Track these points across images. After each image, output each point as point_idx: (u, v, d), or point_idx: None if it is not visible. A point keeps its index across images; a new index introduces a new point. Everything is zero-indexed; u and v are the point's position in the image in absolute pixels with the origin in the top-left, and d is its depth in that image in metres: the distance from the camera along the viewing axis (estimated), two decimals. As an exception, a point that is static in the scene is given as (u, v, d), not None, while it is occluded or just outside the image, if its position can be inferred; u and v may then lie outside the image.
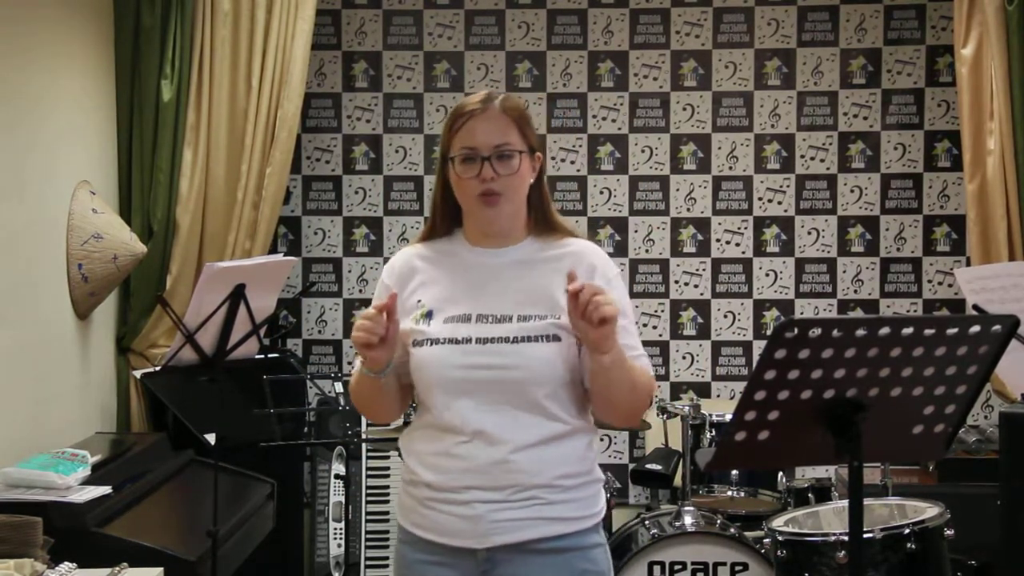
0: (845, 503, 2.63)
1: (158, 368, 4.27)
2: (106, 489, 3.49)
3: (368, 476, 5.23)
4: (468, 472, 2.31)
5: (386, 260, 5.50)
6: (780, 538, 3.57)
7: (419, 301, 2.41)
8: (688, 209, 5.48)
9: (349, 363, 5.48)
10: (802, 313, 5.44)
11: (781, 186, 5.47)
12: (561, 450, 2.33)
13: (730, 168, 5.47)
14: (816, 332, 2.04)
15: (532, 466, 2.30)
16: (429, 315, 2.38)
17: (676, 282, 5.49)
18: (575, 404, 2.37)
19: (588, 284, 2.21)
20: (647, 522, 4.29)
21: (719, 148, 5.48)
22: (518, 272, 2.40)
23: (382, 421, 2.60)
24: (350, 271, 5.51)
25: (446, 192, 2.47)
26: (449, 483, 2.33)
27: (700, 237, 5.48)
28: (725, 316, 5.48)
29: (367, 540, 5.17)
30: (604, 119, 5.48)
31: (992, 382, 4.50)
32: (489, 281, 2.40)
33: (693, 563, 4.04)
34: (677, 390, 5.48)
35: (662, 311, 5.48)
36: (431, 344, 2.34)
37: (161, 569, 3.08)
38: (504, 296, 2.37)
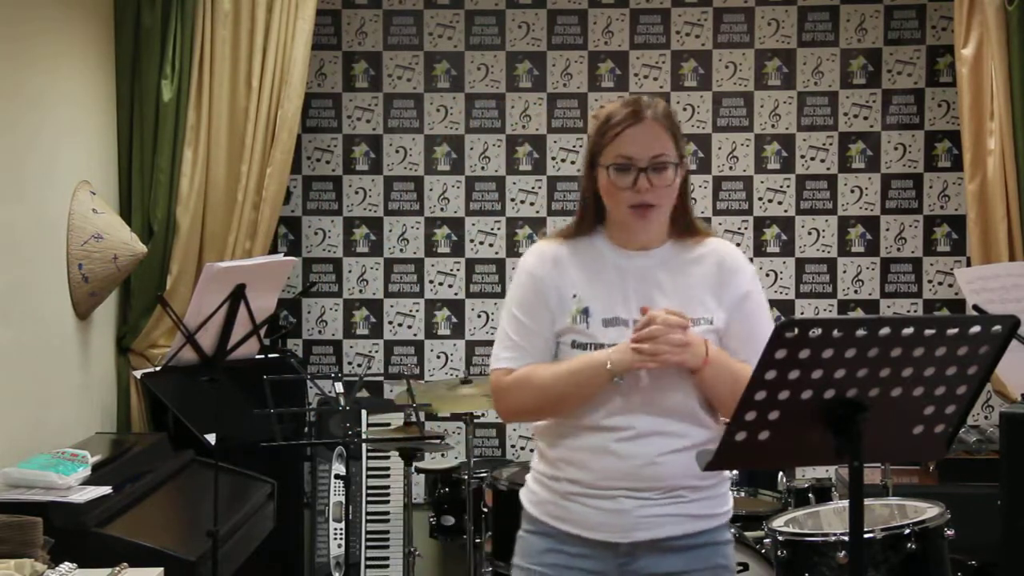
0: (845, 503, 2.63)
1: (158, 368, 4.27)
2: (106, 489, 3.49)
3: (368, 476, 5.23)
4: (618, 470, 2.40)
5: (386, 260, 5.55)
6: (780, 538, 3.57)
7: (575, 296, 2.46)
8: (688, 209, 5.47)
9: (349, 363, 5.48)
10: (802, 313, 5.44)
11: (781, 186, 5.47)
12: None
13: (730, 168, 5.47)
14: (816, 332, 2.04)
15: (678, 469, 2.40)
16: (585, 312, 2.44)
17: (676, 282, 5.48)
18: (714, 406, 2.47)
19: (664, 319, 2.31)
20: (647, 522, 4.28)
21: (719, 148, 5.48)
22: (667, 276, 2.47)
23: (559, 416, 2.55)
24: (350, 271, 5.51)
25: (597, 194, 2.52)
26: (598, 480, 2.42)
27: (700, 237, 5.47)
28: (725, 316, 5.47)
29: (367, 540, 5.17)
30: (604, 119, 5.47)
31: (992, 382, 4.50)
32: (641, 285, 2.46)
33: (693, 563, 4.03)
34: (677, 390, 5.47)
35: (662, 311, 5.48)
36: (594, 348, 2.42)
37: (161, 569, 3.08)
38: (658, 300, 2.43)
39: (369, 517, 5.20)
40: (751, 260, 5.41)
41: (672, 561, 2.42)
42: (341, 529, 5.01)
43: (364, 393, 5.23)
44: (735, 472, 2.53)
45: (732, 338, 2.45)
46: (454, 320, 5.51)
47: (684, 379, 2.41)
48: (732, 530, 2.57)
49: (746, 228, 5.47)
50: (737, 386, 2.32)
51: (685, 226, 2.52)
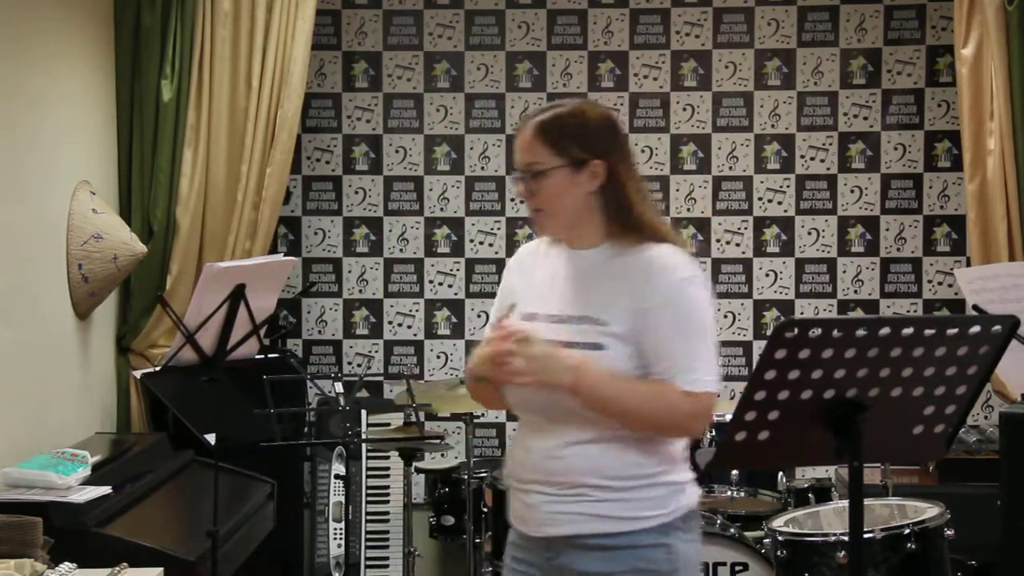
0: (845, 503, 2.64)
1: (158, 368, 4.27)
2: (106, 489, 3.49)
3: (368, 476, 5.23)
4: (528, 462, 2.44)
5: (386, 260, 5.55)
6: (780, 538, 3.57)
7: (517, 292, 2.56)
8: (688, 209, 5.48)
9: (349, 363, 5.49)
10: (802, 313, 5.44)
11: (781, 186, 5.47)
12: (612, 451, 2.38)
13: (730, 168, 5.47)
14: (816, 332, 2.05)
15: (582, 464, 2.38)
16: (513, 307, 2.49)
17: (676, 282, 5.48)
18: None
19: (513, 336, 2.32)
20: (647, 522, 4.28)
21: (719, 148, 5.47)
22: (586, 277, 2.45)
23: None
24: (350, 271, 5.51)
25: None
26: (515, 472, 2.50)
27: (700, 237, 5.47)
28: (725, 316, 5.48)
29: (367, 540, 5.16)
30: (604, 119, 5.47)
31: (992, 382, 4.50)
32: (559, 283, 2.48)
33: (693, 563, 4.03)
34: (677, 390, 5.47)
35: (662, 311, 5.47)
36: None
37: (161, 569, 3.08)
38: (565, 299, 2.45)
39: (369, 517, 5.19)
40: (750, 260, 5.48)
41: (589, 560, 2.38)
42: (341, 529, 5.01)
43: (364, 393, 5.23)
44: (682, 476, 2.43)
45: (645, 350, 2.37)
46: (454, 320, 5.51)
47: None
48: (690, 535, 2.45)
49: (746, 228, 5.47)
50: (646, 406, 2.33)
51: (626, 228, 2.45)
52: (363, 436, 4.73)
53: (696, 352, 2.35)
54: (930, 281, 5.43)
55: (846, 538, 3.15)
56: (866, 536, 3.26)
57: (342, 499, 4.96)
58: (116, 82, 4.64)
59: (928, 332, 2.08)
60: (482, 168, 5.50)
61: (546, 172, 2.43)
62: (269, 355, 4.28)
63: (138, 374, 4.56)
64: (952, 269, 5.22)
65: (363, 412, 4.97)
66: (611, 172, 2.44)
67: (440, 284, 5.50)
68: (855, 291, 5.45)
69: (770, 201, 5.47)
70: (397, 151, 5.51)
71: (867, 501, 2.92)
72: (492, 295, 5.62)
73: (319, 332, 5.53)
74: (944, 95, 5.38)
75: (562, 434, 2.39)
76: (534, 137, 2.44)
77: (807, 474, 4.72)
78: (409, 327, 5.51)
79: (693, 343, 2.35)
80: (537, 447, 2.43)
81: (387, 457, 5.21)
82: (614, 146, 2.48)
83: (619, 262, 2.43)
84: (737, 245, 5.48)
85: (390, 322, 5.52)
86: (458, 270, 5.50)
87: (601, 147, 2.45)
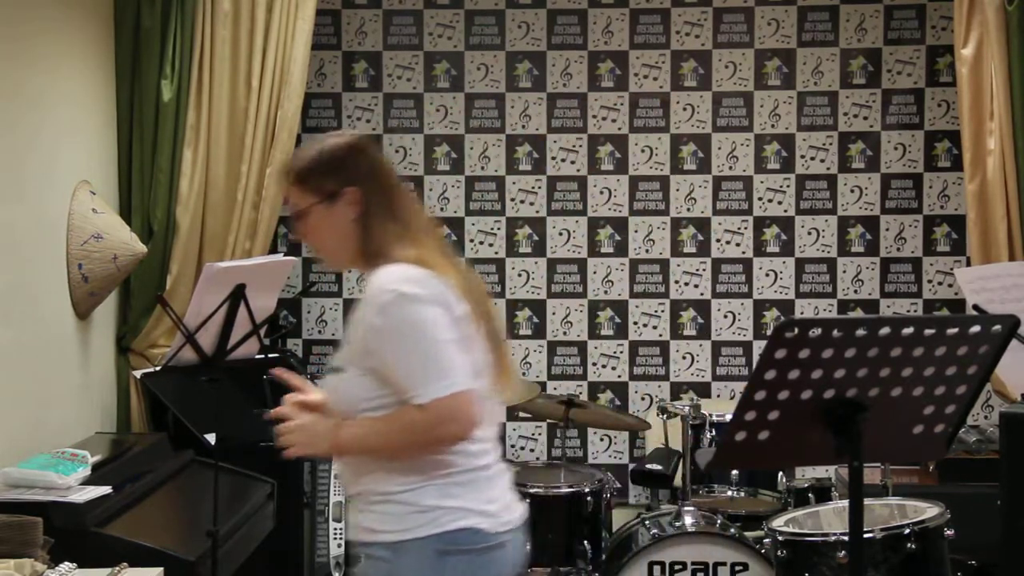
0: (845, 503, 2.63)
1: (158, 368, 4.27)
2: (106, 489, 3.48)
3: (368, 476, 5.23)
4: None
5: (386, 260, 5.54)
6: (780, 538, 3.57)
7: None
8: (688, 209, 5.48)
9: (349, 363, 5.48)
10: (802, 313, 5.44)
11: (781, 186, 5.47)
12: (368, 466, 2.43)
13: (730, 168, 5.48)
14: (816, 332, 2.05)
15: (345, 475, 2.51)
16: None
17: (676, 282, 5.49)
18: None
19: (289, 406, 2.46)
20: (647, 522, 4.29)
21: (719, 148, 5.48)
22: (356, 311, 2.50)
23: None
24: (350, 271, 5.51)
25: None
26: None
27: (700, 237, 5.48)
28: (725, 316, 5.48)
29: (367, 540, 5.16)
30: (604, 119, 5.48)
31: (992, 382, 4.50)
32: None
33: (693, 563, 4.04)
34: (677, 390, 5.48)
35: (662, 311, 5.48)
36: None
37: (161, 569, 3.08)
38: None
39: (369, 517, 5.19)
40: (750, 260, 5.48)
41: (358, 565, 2.47)
42: (341, 529, 5.01)
43: (364, 393, 5.22)
44: (432, 501, 2.41)
45: (384, 376, 2.39)
46: (454, 320, 5.50)
47: (332, 400, 2.49)
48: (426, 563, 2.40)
49: (746, 228, 5.47)
50: (393, 437, 2.37)
51: (369, 254, 2.46)
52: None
53: (413, 366, 2.34)
54: (930, 281, 5.43)
55: (846, 538, 3.15)
56: (866, 536, 3.26)
57: (342, 499, 4.96)
58: (116, 82, 4.63)
59: (928, 332, 2.08)
60: (482, 168, 5.50)
61: (305, 212, 2.48)
62: (269, 355, 4.28)
63: (138, 374, 4.56)
64: (952, 269, 5.22)
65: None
66: (366, 197, 2.45)
67: (440, 284, 5.50)
68: (855, 291, 5.45)
69: (770, 201, 5.47)
70: (397, 151, 5.51)
71: (867, 501, 2.92)
72: (492, 295, 5.64)
73: (319, 332, 5.53)
74: (944, 95, 5.38)
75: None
76: (287, 183, 2.51)
77: (807, 474, 4.72)
78: (409, 327, 5.50)
79: (410, 358, 2.34)
80: None
81: (387, 457, 5.21)
82: (363, 171, 2.48)
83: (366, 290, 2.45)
84: (737, 245, 5.48)
85: (390, 322, 5.51)
86: (458, 270, 5.49)
87: (349, 175, 2.46)
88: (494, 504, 2.43)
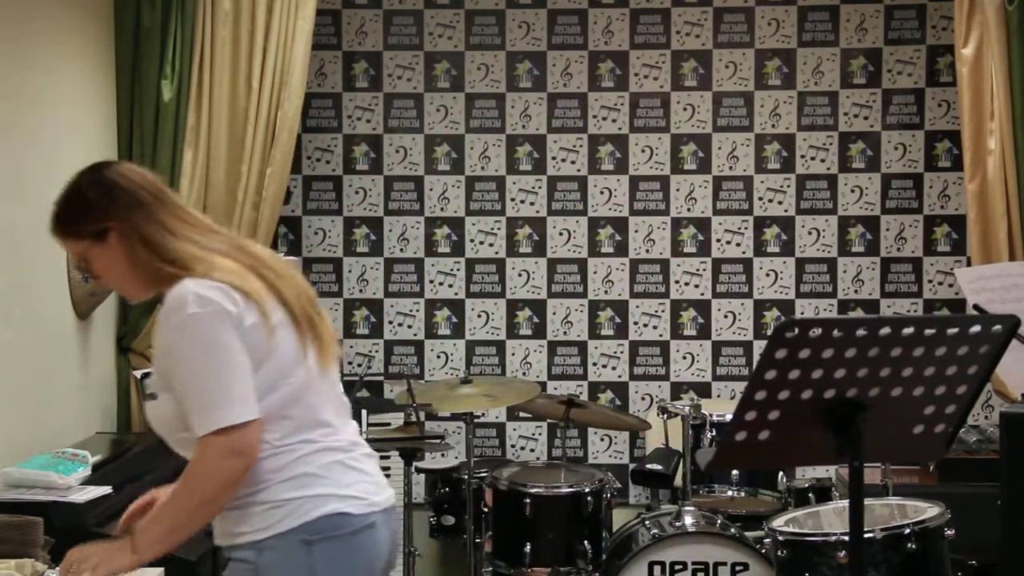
0: (845, 503, 2.63)
1: (158, 368, 4.26)
2: (106, 489, 3.48)
3: (368, 476, 5.22)
4: None
5: (386, 260, 5.55)
6: (780, 538, 3.57)
7: None
8: (688, 209, 5.48)
9: (349, 363, 5.48)
10: (802, 313, 5.44)
11: (781, 186, 5.47)
12: None
13: (730, 168, 5.47)
14: (817, 332, 2.05)
15: None
16: None
17: (676, 282, 5.49)
18: None
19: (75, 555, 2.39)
20: (647, 522, 4.29)
21: (719, 148, 5.48)
22: None
23: None
24: (350, 271, 5.51)
25: None
26: None
27: (700, 237, 5.48)
28: (725, 316, 5.48)
29: (367, 540, 5.15)
30: (604, 119, 5.48)
31: (992, 382, 4.50)
32: None
33: (693, 563, 4.04)
34: (677, 390, 5.48)
35: (662, 311, 5.48)
36: None
37: (162, 569, 3.08)
38: None
39: (369, 517, 5.18)
40: (750, 260, 5.48)
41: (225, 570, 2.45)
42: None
43: (364, 393, 5.23)
44: (280, 496, 2.39)
45: (180, 401, 2.36)
46: (454, 320, 5.51)
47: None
48: (287, 553, 2.40)
49: (746, 228, 5.47)
50: (189, 502, 2.37)
51: (162, 283, 2.38)
52: (363, 436, 4.71)
53: (192, 398, 2.31)
54: (930, 281, 5.43)
55: (846, 538, 3.15)
56: (866, 536, 3.26)
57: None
58: (116, 82, 4.64)
59: (928, 332, 2.08)
60: (482, 168, 5.50)
61: (85, 257, 2.45)
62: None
63: (138, 374, 4.56)
64: (952, 269, 5.22)
65: (363, 412, 4.97)
66: (132, 225, 2.40)
67: (440, 284, 5.51)
68: (855, 291, 5.45)
69: (770, 201, 5.47)
70: (397, 151, 5.51)
71: (867, 501, 2.92)
72: (492, 295, 5.67)
73: (319, 332, 5.52)
74: (944, 95, 5.38)
75: None
76: (57, 235, 2.48)
77: (807, 474, 4.72)
78: (409, 327, 5.51)
79: (188, 386, 2.31)
80: None
81: (387, 457, 5.20)
82: (120, 201, 2.42)
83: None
84: (737, 245, 5.48)
85: (390, 322, 5.52)
86: (458, 270, 5.50)
87: (107, 211, 2.42)
88: (355, 486, 2.41)
